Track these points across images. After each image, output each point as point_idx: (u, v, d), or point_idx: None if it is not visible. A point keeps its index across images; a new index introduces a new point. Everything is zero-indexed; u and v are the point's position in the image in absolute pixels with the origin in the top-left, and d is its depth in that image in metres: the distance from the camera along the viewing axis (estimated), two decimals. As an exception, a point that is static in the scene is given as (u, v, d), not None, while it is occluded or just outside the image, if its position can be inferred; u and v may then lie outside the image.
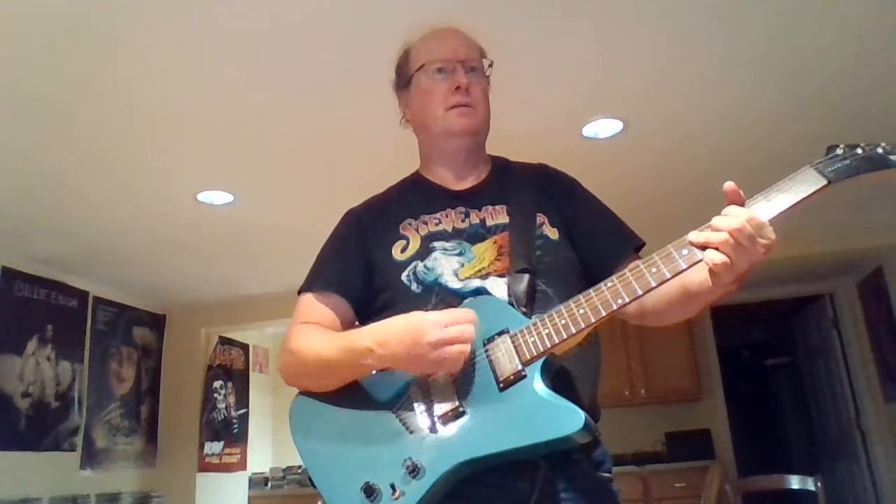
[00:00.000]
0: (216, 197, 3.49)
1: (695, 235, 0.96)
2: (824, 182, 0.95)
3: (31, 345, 4.12)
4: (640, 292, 0.99)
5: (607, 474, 1.15)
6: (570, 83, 2.70)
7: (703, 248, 0.95)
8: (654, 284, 0.98)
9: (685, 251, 0.97)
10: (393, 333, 1.05)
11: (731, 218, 0.93)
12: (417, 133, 1.36)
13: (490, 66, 1.33)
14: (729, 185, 0.96)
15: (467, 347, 1.01)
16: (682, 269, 0.97)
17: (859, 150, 0.96)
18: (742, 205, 0.95)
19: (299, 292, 1.29)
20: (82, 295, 4.60)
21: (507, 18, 2.26)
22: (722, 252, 0.92)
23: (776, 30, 2.42)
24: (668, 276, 0.98)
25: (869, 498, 5.31)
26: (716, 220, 0.94)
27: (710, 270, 0.95)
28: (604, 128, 3.06)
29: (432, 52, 1.30)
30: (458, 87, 1.25)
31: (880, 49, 2.56)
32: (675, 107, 2.93)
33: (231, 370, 5.80)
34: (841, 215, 4.24)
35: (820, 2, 2.25)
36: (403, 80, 1.34)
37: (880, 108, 2.97)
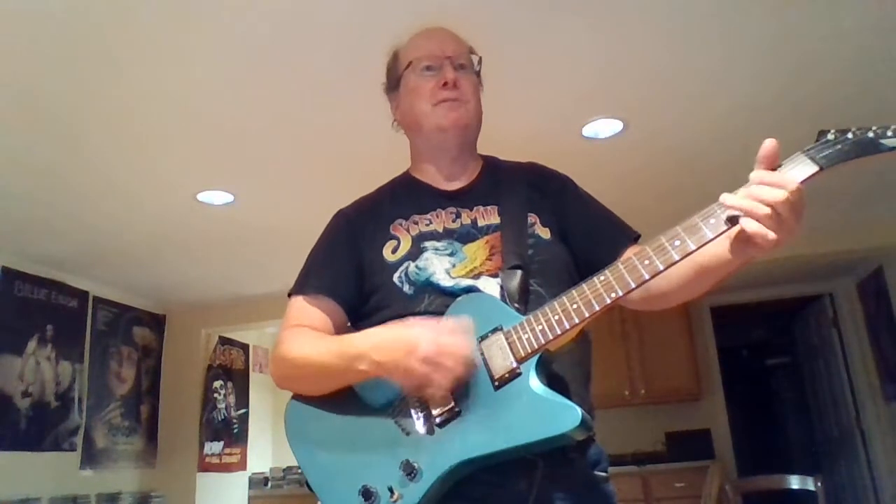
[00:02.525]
0: (216, 197, 3.49)
1: (731, 200, 0.92)
2: (816, 168, 0.92)
3: (31, 345, 4.12)
4: (633, 285, 0.98)
5: (603, 473, 1.15)
6: (570, 83, 2.70)
7: (734, 221, 0.92)
8: (647, 277, 0.97)
9: (677, 242, 0.96)
10: (389, 340, 1.04)
11: (777, 189, 0.89)
12: (408, 133, 1.34)
13: (479, 62, 1.32)
14: (771, 143, 0.92)
15: (457, 371, 0.99)
16: (676, 261, 0.96)
17: (850, 135, 0.93)
18: (775, 169, 0.92)
19: (289, 295, 1.27)
20: (82, 295, 4.60)
21: (508, 18, 2.26)
22: (764, 224, 0.90)
23: (776, 30, 2.42)
24: (662, 267, 0.96)
25: (869, 498, 5.30)
26: (759, 192, 0.90)
27: (748, 240, 0.92)
28: (604, 128, 3.05)
29: (419, 50, 1.29)
30: (445, 83, 1.24)
31: (880, 49, 2.56)
32: (675, 107, 2.92)
33: (231, 370, 5.80)
34: (841, 215, 4.24)
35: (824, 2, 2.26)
36: (393, 81, 1.34)
37: (880, 109, 2.96)
